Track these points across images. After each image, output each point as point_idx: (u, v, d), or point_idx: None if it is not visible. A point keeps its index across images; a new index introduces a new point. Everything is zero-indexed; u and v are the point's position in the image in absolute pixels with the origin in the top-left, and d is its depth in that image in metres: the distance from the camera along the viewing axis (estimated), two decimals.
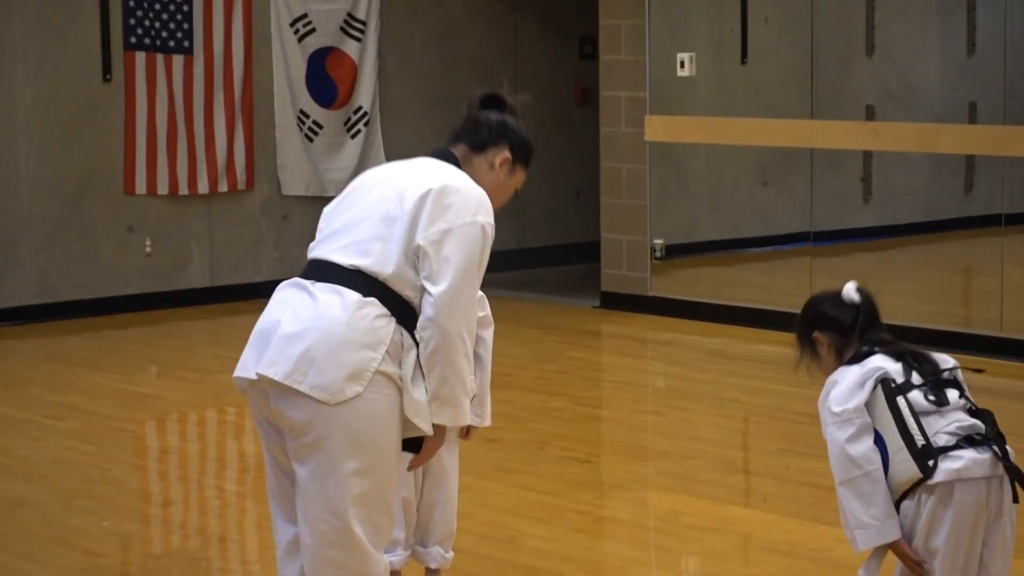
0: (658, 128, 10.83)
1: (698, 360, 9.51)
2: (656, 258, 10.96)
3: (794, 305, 10.05)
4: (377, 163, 12.06)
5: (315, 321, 3.90)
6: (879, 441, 3.86)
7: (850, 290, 4.06)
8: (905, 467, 3.84)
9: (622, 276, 11.12)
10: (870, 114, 10.53)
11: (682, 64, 10.85)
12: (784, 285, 10.78)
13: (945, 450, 3.83)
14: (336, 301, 3.92)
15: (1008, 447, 3.95)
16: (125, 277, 11.09)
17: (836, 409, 3.86)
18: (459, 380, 3.95)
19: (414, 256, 3.95)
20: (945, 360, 4.03)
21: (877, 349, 3.97)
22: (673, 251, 11.04)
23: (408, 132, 12.05)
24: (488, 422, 4.96)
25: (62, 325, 10.58)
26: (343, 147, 11.98)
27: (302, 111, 11.78)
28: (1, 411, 8.23)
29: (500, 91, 4.34)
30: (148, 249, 11.16)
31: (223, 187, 11.42)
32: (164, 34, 11.06)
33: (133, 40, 10.96)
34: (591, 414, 8.33)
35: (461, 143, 4.24)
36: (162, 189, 11.15)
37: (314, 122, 11.83)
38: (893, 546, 3.87)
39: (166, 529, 6.31)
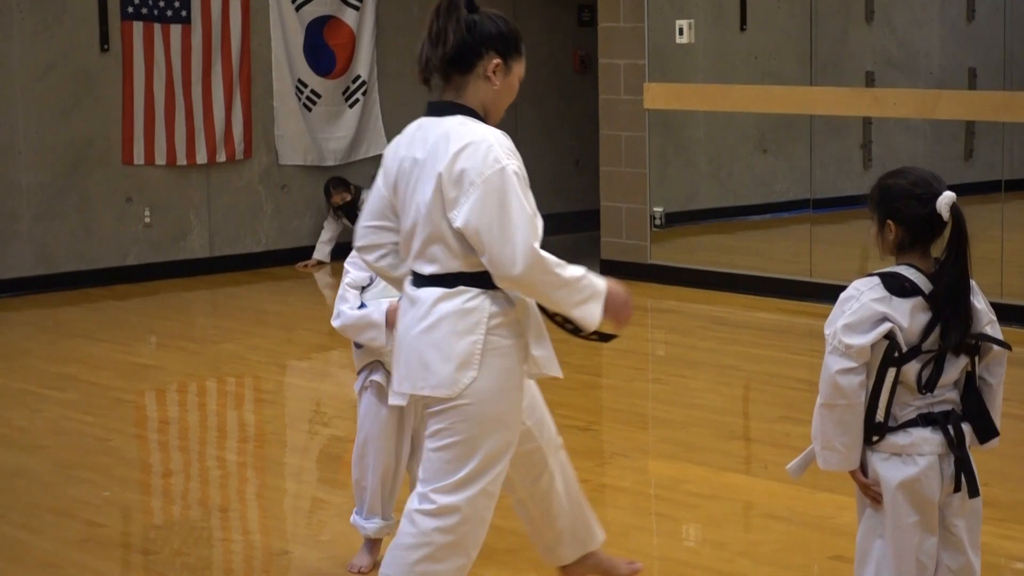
0: (657, 95, 10.79)
1: (698, 328, 9.50)
2: (656, 226, 10.94)
3: (794, 272, 10.17)
4: (375, 133, 12.12)
5: (415, 328, 4.10)
6: None
7: (944, 203, 3.82)
8: None
9: (622, 244, 11.10)
10: (870, 80, 10.50)
11: (681, 31, 10.81)
12: (784, 252, 10.76)
13: (896, 429, 3.84)
14: (427, 301, 4.08)
15: (971, 430, 3.90)
16: (124, 248, 11.08)
17: (844, 339, 3.81)
18: (550, 316, 4.16)
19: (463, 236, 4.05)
20: (980, 319, 3.95)
21: (921, 289, 3.84)
22: (673, 219, 11.02)
23: (406, 101, 11.99)
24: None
25: (61, 296, 10.57)
26: (341, 116, 11.96)
27: (300, 80, 11.75)
28: (0, 382, 8.23)
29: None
30: (147, 219, 11.14)
31: (221, 157, 11.40)
32: (162, 3, 11.01)
33: (130, 10, 10.92)
34: (591, 382, 8.32)
35: (451, 76, 4.12)
36: (160, 159, 11.13)
37: (312, 91, 11.80)
38: (850, 473, 3.93)
39: (167, 499, 6.31)
